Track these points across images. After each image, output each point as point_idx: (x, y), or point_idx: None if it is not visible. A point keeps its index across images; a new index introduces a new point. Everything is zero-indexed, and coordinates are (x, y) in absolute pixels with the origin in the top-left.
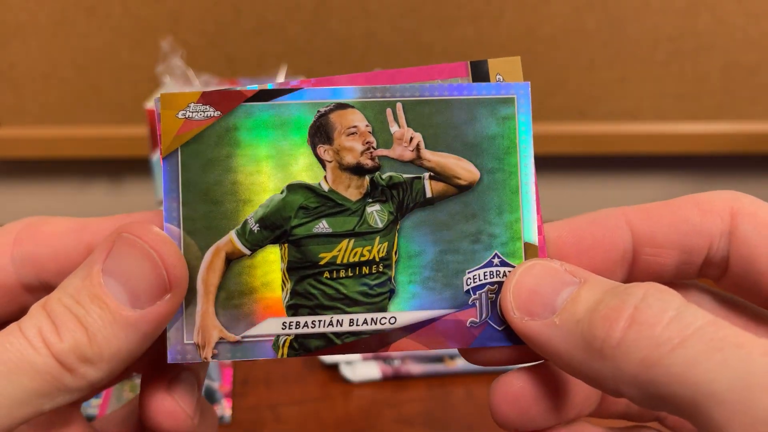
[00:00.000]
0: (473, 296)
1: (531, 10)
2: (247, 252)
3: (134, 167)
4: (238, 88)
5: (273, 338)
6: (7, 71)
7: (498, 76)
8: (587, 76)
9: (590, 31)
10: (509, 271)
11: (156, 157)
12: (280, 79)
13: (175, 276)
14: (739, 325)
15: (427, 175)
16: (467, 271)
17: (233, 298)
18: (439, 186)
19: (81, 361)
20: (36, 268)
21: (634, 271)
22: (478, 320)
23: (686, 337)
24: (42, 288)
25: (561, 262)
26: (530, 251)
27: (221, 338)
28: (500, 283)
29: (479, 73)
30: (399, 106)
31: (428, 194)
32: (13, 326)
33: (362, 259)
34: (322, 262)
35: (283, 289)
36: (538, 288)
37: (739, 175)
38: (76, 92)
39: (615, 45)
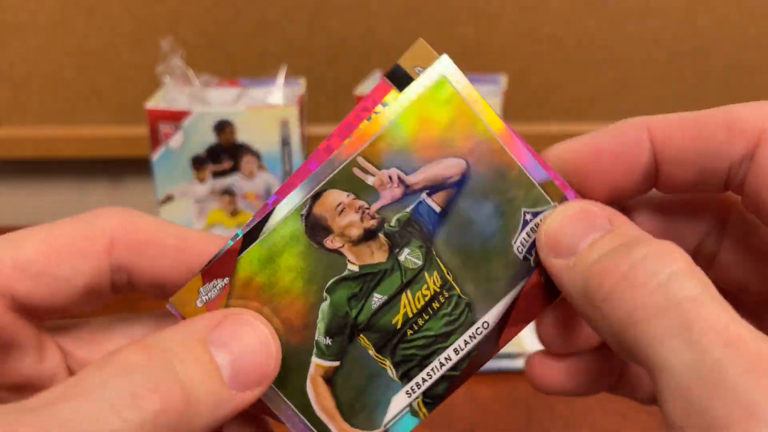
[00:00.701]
0: (531, 258)
1: (531, 10)
2: (337, 363)
3: (134, 167)
4: (223, 248)
5: (408, 408)
6: (7, 71)
7: (416, 69)
8: (587, 76)
9: (590, 31)
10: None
11: (156, 156)
12: (280, 79)
13: (274, 370)
14: (754, 256)
15: (424, 194)
16: (512, 243)
17: (355, 404)
18: (440, 196)
19: (168, 427)
20: (130, 276)
21: (657, 183)
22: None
23: (664, 309)
24: (129, 288)
25: (602, 205)
26: (549, 187)
27: None
28: None
29: (399, 79)
30: (359, 159)
31: (437, 209)
32: (92, 384)
33: (427, 299)
34: (398, 326)
35: (386, 368)
36: (567, 229)
37: None
38: (76, 92)
39: (615, 45)
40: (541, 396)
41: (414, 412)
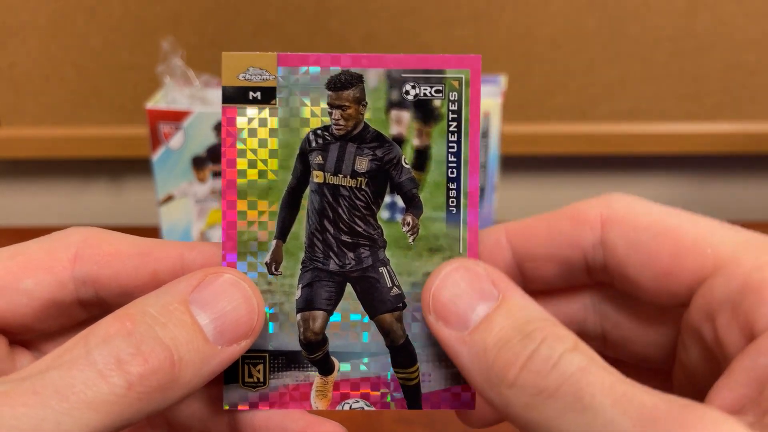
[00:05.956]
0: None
1: (531, 10)
2: None
3: (134, 167)
4: None
5: None
6: (7, 71)
7: (242, 75)
8: (587, 76)
9: (590, 32)
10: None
11: (156, 156)
12: None
13: (259, 324)
14: (639, 328)
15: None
16: None
17: None
18: None
19: (156, 388)
20: (96, 287)
21: (525, 281)
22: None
23: (558, 387)
24: (97, 304)
25: (486, 266)
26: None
27: None
28: None
29: (235, 97)
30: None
31: None
32: (78, 353)
33: None
34: None
35: None
36: (455, 297)
37: (739, 175)
38: (76, 92)
39: (615, 45)
40: None
41: None
